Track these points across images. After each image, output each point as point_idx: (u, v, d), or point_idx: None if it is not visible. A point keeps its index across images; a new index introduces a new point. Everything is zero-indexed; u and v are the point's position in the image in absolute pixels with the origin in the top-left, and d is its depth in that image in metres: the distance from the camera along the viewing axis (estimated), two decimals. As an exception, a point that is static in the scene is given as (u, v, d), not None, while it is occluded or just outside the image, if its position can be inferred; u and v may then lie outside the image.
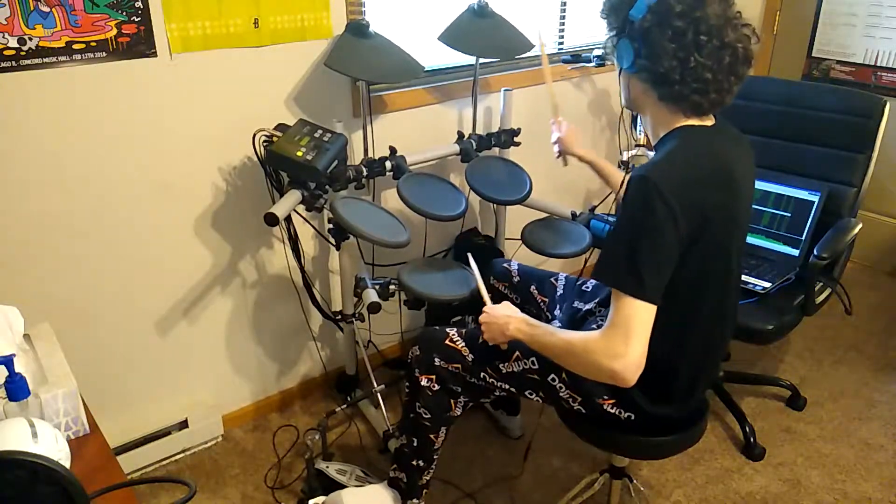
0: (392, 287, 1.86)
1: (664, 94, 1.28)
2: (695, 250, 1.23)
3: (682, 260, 1.23)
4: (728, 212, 1.29)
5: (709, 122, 1.33)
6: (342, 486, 1.83)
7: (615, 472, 1.73)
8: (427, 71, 2.21)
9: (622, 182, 1.76)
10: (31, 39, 1.52)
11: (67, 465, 1.04)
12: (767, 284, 2.03)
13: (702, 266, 1.26)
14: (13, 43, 1.50)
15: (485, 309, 1.52)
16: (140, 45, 1.66)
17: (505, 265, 1.89)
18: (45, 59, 1.55)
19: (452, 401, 1.59)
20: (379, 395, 2.08)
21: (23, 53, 1.52)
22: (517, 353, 1.50)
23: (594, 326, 1.59)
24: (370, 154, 2.04)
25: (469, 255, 1.78)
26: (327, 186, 1.87)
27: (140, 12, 1.63)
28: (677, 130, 1.31)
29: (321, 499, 1.78)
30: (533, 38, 2.18)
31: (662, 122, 1.33)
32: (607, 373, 1.22)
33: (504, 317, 1.45)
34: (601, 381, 1.33)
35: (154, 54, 1.69)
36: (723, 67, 1.23)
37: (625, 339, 1.19)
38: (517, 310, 1.49)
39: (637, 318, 1.20)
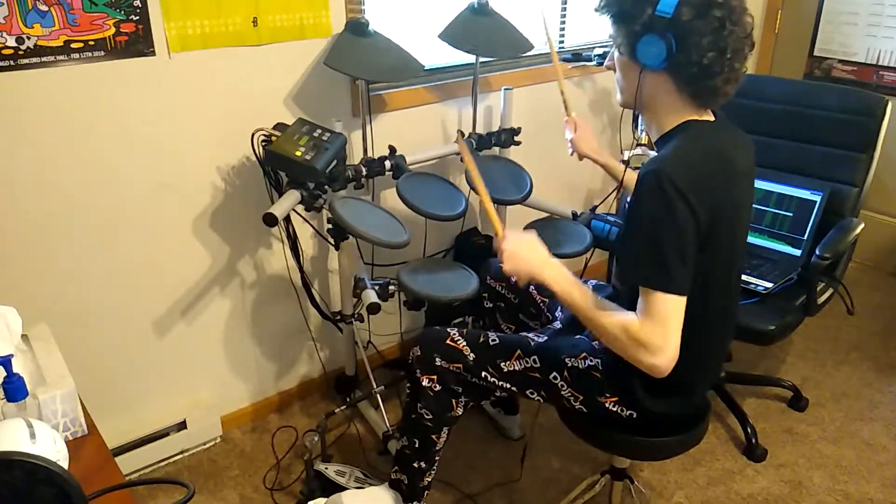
0: (391, 287, 1.85)
1: (695, 87, 1.26)
2: (706, 245, 1.23)
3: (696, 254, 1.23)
4: (736, 208, 1.30)
5: (709, 117, 1.33)
6: (341, 488, 1.82)
7: (616, 474, 1.72)
8: (427, 70, 2.20)
9: (621, 179, 1.76)
10: (29, 38, 1.51)
11: (65, 465, 1.03)
12: (769, 284, 2.02)
13: (710, 262, 1.26)
14: (11, 42, 1.49)
15: (507, 235, 1.39)
16: (138, 44, 1.65)
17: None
18: (44, 59, 1.54)
19: (454, 401, 1.58)
20: (378, 396, 2.07)
21: (21, 53, 1.51)
22: (518, 351, 1.50)
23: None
24: (369, 153, 2.03)
25: (460, 133, 1.62)
26: (326, 186, 1.86)
27: (138, 11, 1.63)
28: (682, 126, 1.30)
29: (321, 500, 1.77)
30: (536, 38, 2.17)
31: (668, 119, 1.32)
32: (646, 366, 1.24)
33: (540, 257, 1.36)
34: (608, 380, 1.38)
35: (152, 53, 1.68)
36: (744, 56, 1.24)
37: (663, 335, 1.21)
38: (546, 249, 1.39)
39: (671, 312, 1.21)
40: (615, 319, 1.27)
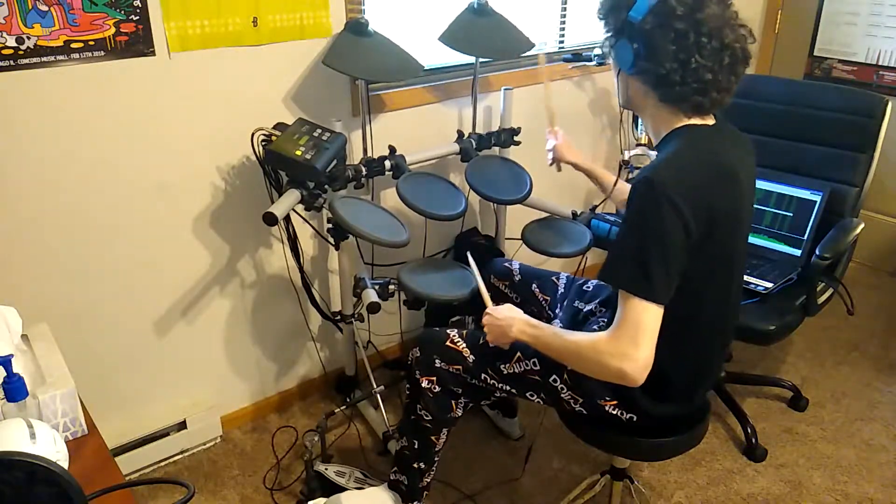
0: (392, 287, 1.85)
1: (665, 94, 1.28)
2: (700, 253, 1.23)
3: (687, 262, 1.23)
4: (733, 214, 1.29)
5: (710, 120, 1.32)
6: (341, 488, 1.82)
7: (616, 474, 1.72)
8: (426, 70, 2.20)
9: (615, 184, 1.77)
10: (29, 38, 1.51)
11: (65, 465, 1.03)
12: (769, 285, 2.02)
13: (706, 268, 1.26)
14: (11, 42, 1.49)
15: (487, 310, 1.52)
16: (138, 44, 1.65)
17: (506, 264, 1.89)
18: (44, 59, 1.54)
19: (453, 402, 1.58)
20: (378, 396, 2.07)
21: (21, 53, 1.51)
22: (518, 354, 1.49)
23: (595, 327, 1.59)
24: (369, 153, 2.03)
25: (468, 254, 1.77)
26: (326, 186, 1.86)
27: (138, 11, 1.63)
28: (679, 130, 1.30)
29: (321, 500, 1.78)
30: (536, 37, 2.17)
31: (663, 123, 1.32)
32: (616, 373, 1.22)
33: (507, 318, 1.44)
34: (608, 382, 1.33)
35: (152, 53, 1.68)
36: (723, 68, 1.24)
37: (633, 340, 1.20)
38: (519, 311, 1.48)
39: (645, 319, 1.20)
40: (585, 340, 1.28)
